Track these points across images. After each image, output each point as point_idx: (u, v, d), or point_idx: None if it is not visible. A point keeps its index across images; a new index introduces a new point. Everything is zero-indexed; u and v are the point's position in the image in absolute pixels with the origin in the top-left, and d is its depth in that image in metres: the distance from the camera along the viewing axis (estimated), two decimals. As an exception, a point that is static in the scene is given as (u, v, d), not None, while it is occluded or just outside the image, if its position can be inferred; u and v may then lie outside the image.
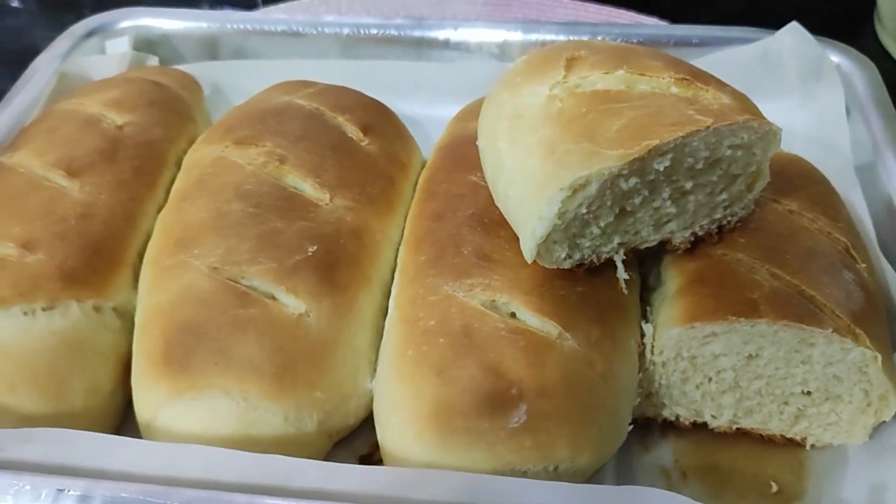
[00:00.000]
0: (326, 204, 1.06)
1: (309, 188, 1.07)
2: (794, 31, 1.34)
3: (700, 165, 0.91)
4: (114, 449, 0.91)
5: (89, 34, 1.46)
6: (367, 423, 1.02)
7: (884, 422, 0.99)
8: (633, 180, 0.87)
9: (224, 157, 1.11)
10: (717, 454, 1.03)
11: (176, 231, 1.05)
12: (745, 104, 0.92)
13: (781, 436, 1.03)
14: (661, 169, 0.88)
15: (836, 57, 1.33)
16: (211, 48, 1.52)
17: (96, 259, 1.04)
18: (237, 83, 1.46)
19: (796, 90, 1.35)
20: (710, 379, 0.99)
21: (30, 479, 0.87)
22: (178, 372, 0.95)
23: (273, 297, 0.98)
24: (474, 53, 1.47)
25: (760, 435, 1.03)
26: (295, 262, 0.99)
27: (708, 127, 0.86)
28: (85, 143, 1.12)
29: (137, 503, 0.85)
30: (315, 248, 1.01)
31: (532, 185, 0.89)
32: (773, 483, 0.99)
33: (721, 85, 0.94)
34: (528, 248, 0.91)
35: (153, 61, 1.48)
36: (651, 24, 1.62)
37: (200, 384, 0.94)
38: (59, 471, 0.89)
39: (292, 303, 0.98)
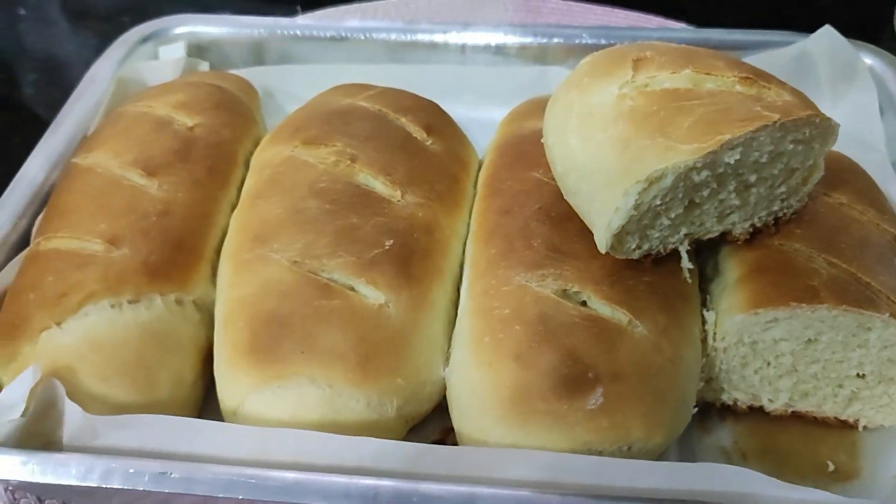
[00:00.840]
0: (398, 200, 1.11)
1: (380, 186, 1.12)
2: (827, 34, 1.40)
3: (764, 159, 0.96)
4: (208, 434, 0.95)
5: (144, 40, 1.50)
6: (436, 409, 1.07)
7: (933, 403, 1.04)
8: (704, 173, 0.92)
9: (294, 156, 1.16)
10: (774, 436, 1.08)
11: (253, 227, 1.09)
12: (805, 101, 0.98)
13: (835, 418, 1.08)
14: (731, 162, 0.93)
15: (868, 59, 1.39)
16: (257, 53, 1.57)
17: (177, 254, 1.08)
18: (286, 87, 1.51)
19: (829, 91, 1.40)
20: (769, 363, 1.04)
21: (133, 463, 0.92)
22: (266, 361, 0.99)
23: (353, 289, 1.03)
24: (516, 58, 1.51)
25: (815, 418, 1.08)
26: (373, 255, 1.04)
27: (775, 122, 0.91)
28: (159, 144, 1.17)
29: (238, 485, 0.89)
30: (391, 242, 1.06)
31: (607, 179, 0.94)
32: (829, 463, 1.04)
33: (781, 83, 0.99)
34: (604, 239, 0.96)
35: (203, 66, 1.53)
36: (685, 29, 1.68)
37: (287, 372, 0.98)
38: (157, 455, 0.93)
39: (372, 294, 1.02)
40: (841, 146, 1.30)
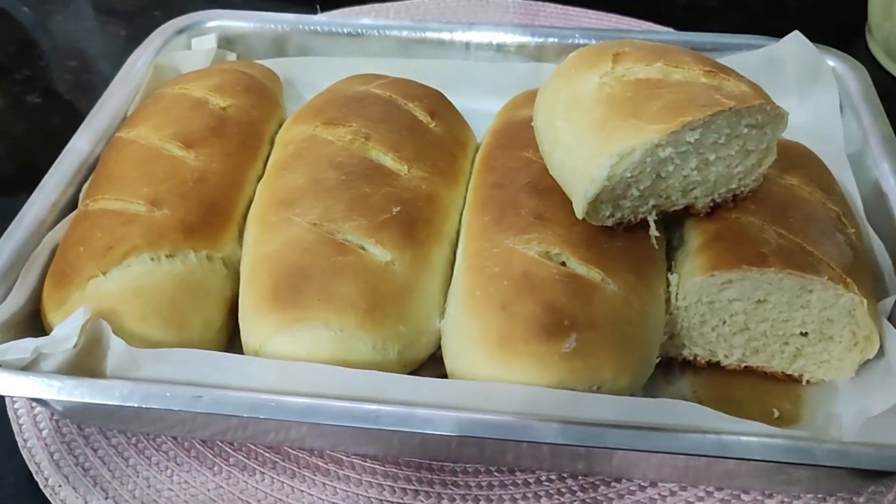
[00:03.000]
0: (405, 174, 1.26)
1: (390, 161, 1.28)
2: (795, 39, 1.55)
3: (722, 140, 1.11)
4: (235, 366, 1.09)
5: (179, 32, 1.66)
6: (431, 359, 1.22)
7: (868, 360, 1.19)
8: (668, 150, 1.08)
9: (316, 134, 1.31)
10: (728, 388, 1.23)
11: (279, 193, 1.25)
12: (759, 92, 1.13)
13: (782, 372, 1.23)
14: (692, 141, 1.08)
15: (832, 61, 1.54)
16: (279, 46, 1.72)
17: (210, 216, 1.24)
18: (305, 77, 1.66)
19: (796, 90, 1.55)
20: (724, 322, 1.19)
21: (169, 388, 1.06)
22: (287, 307, 1.14)
23: (364, 248, 1.18)
24: (515, 55, 1.67)
25: (764, 372, 1.23)
26: (382, 219, 1.19)
27: (731, 108, 1.07)
28: (196, 121, 1.33)
29: (260, 407, 1.04)
30: (398, 208, 1.21)
31: (587, 154, 1.09)
32: (774, 410, 1.19)
33: (740, 77, 1.15)
34: (581, 206, 1.11)
35: (231, 56, 1.69)
36: (668, 32, 1.84)
37: (306, 317, 1.13)
38: (191, 384, 1.08)
39: (380, 253, 1.18)
40: (804, 138, 1.46)
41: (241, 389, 1.07)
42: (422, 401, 1.05)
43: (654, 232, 1.17)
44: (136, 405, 1.05)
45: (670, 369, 1.25)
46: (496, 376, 1.09)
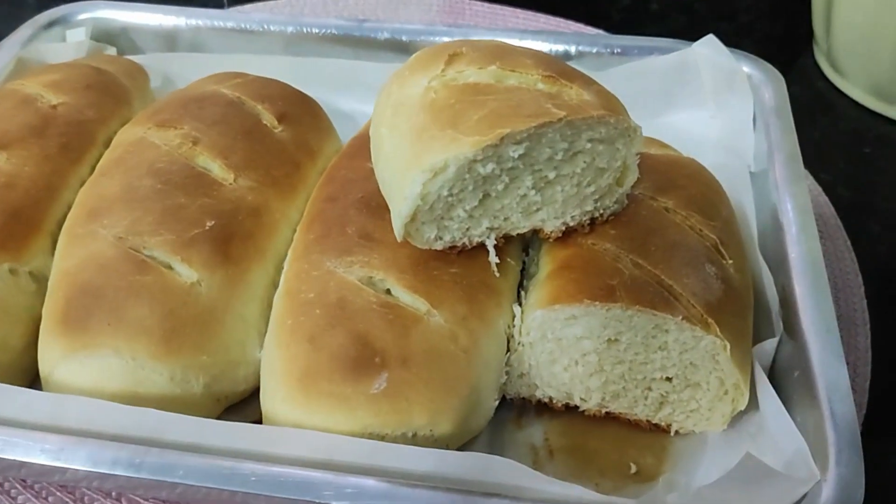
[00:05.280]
0: (230, 183, 1.13)
1: (217, 168, 1.15)
2: (709, 43, 1.39)
3: (560, 156, 0.97)
4: (5, 397, 0.98)
5: (51, 24, 1.54)
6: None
7: (741, 412, 1.03)
8: (490, 165, 0.93)
9: (145, 137, 1.19)
10: (585, 436, 1.08)
11: (90, 202, 1.13)
12: (608, 102, 0.98)
13: (647, 421, 1.08)
14: (516, 157, 0.94)
15: (748, 68, 1.38)
16: (169, 42, 1.60)
17: (14, 225, 1.11)
18: (186, 74, 1.53)
19: (711, 99, 1.40)
20: (577, 362, 1.04)
21: None
22: (75, 331, 1.02)
23: (170, 267, 1.05)
24: (412, 55, 1.53)
25: (628, 420, 1.08)
26: (193, 234, 1.06)
27: (560, 119, 0.92)
28: (17, 119, 1.21)
29: (22, 447, 0.92)
30: (213, 223, 1.08)
31: (400, 167, 0.95)
32: (632, 464, 1.04)
33: (588, 83, 1.00)
34: (397, 227, 0.98)
35: (111, 51, 1.57)
36: (576, 32, 1.69)
37: (94, 343, 1.01)
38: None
39: (186, 272, 1.05)
40: (713, 151, 1.32)
41: (8, 423, 0.95)
42: (204, 445, 0.92)
43: (493, 258, 1.03)
44: None
45: (525, 411, 1.11)
46: (296, 418, 0.97)
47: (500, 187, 0.97)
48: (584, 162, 0.99)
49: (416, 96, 1.00)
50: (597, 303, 0.98)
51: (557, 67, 1.01)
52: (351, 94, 1.49)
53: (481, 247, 1.03)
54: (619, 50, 1.45)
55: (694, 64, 1.41)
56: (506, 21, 1.82)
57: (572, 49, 1.46)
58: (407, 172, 0.94)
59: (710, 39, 1.40)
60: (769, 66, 1.37)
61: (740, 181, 1.25)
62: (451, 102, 0.96)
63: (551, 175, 0.98)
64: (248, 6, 1.87)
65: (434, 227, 0.99)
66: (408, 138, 0.96)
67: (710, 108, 1.40)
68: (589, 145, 0.97)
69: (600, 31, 1.75)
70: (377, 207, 1.07)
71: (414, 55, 1.09)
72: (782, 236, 1.13)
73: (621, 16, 1.91)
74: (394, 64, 1.48)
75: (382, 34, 1.51)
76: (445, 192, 0.95)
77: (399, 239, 0.99)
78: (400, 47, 1.52)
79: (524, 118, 0.92)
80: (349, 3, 1.88)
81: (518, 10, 1.84)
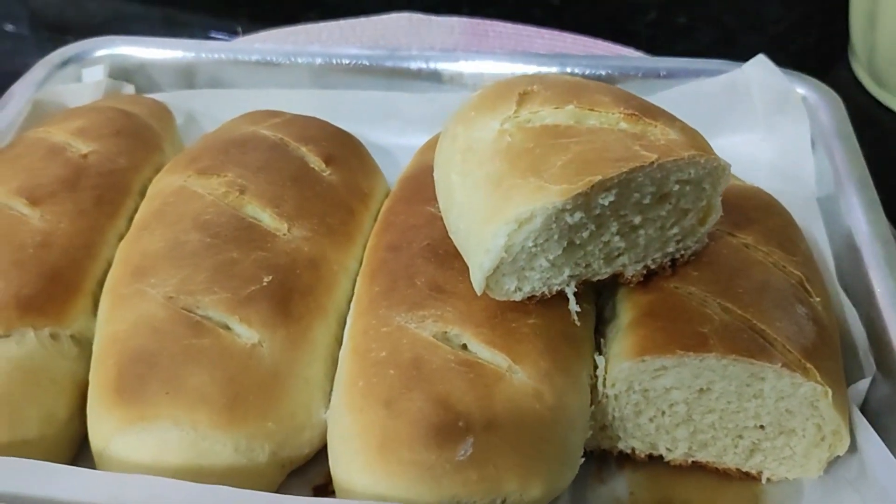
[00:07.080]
0: (284, 234, 1.07)
1: (268, 218, 1.08)
2: (761, 64, 1.35)
3: (647, 200, 0.91)
4: (61, 479, 0.90)
5: (65, 62, 1.47)
6: (323, 452, 1.02)
7: (838, 456, 0.98)
8: (578, 215, 0.88)
9: (186, 186, 1.12)
10: (672, 487, 1.03)
11: (133, 260, 1.06)
12: (694, 140, 0.93)
13: (737, 469, 1.02)
14: (606, 204, 0.88)
15: (803, 89, 1.33)
16: (188, 77, 1.53)
17: (53, 287, 1.04)
18: (211, 112, 1.47)
19: (762, 122, 1.35)
20: (664, 412, 0.99)
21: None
22: (130, 401, 0.95)
23: (227, 328, 0.99)
24: (446, 84, 1.47)
25: (716, 468, 1.03)
26: (249, 292, 1.00)
27: (652, 163, 0.86)
28: (48, 172, 1.13)
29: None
30: (270, 278, 1.01)
31: (479, 218, 0.89)
32: (724, 515, 0.99)
33: (671, 120, 0.95)
34: (477, 281, 0.91)
35: (129, 89, 1.49)
36: (620, 56, 1.63)
37: (151, 414, 0.94)
38: (7, 499, 0.89)
39: (245, 333, 0.98)
40: (769, 177, 1.27)
41: (66, 508, 0.88)
42: (282, 523, 0.86)
43: (573, 307, 0.97)
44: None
45: (605, 464, 1.05)
46: (378, 489, 0.90)
47: (584, 235, 0.92)
48: (670, 204, 0.93)
49: (487, 140, 0.94)
50: (690, 353, 0.92)
51: (637, 104, 0.95)
52: (386, 128, 1.44)
53: (557, 295, 0.98)
54: (664, 73, 1.40)
55: (744, 85, 1.36)
56: (531, 42, 1.77)
57: (615, 73, 1.41)
58: (488, 224, 0.88)
59: (761, 59, 1.35)
60: (825, 87, 1.33)
61: (805, 209, 1.20)
62: (529, 147, 0.90)
63: (637, 220, 0.93)
64: (262, 33, 1.80)
65: (514, 278, 0.93)
66: (484, 187, 0.90)
67: (761, 130, 1.35)
68: (677, 187, 0.92)
69: (632, 51, 1.69)
70: (445, 255, 1.01)
71: (476, 94, 1.03)
72: (862, 268, 1.08)
73: (649, 31, 1.86)
74: (428, 94, 1.45)
75: (416, 63, 1.45)
76: (531, 244, 0.89)
77: (478, 293, 0.93)
78: (434, 76, 1.46)
79: (613, 163, 0.86)
80: (367, 29, 1.81)
81: (543, 31, 1.78)
